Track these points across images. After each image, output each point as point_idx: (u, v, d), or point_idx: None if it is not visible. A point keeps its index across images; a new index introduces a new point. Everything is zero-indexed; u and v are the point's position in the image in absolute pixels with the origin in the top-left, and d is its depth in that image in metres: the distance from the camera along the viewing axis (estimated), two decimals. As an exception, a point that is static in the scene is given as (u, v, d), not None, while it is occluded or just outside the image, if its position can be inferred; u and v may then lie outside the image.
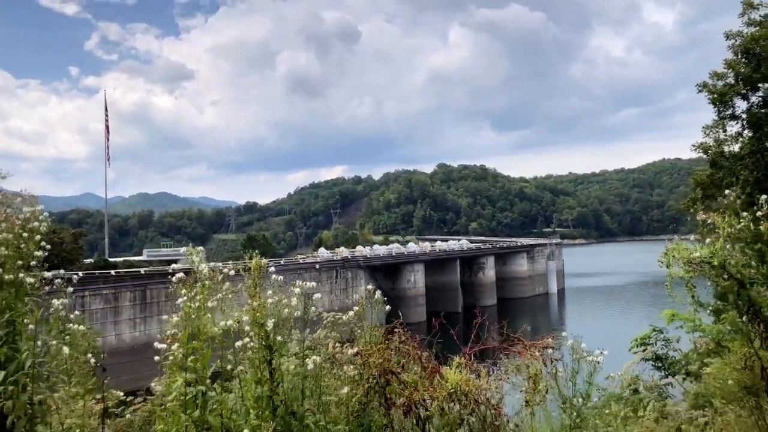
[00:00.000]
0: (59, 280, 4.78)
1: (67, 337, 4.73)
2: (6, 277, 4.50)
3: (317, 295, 3.82)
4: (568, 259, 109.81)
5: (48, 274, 4.65)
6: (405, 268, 74.10)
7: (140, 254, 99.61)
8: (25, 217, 4.74)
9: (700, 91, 19.69)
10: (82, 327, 4.86)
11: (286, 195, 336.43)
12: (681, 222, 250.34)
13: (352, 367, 4.06)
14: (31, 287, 4.61)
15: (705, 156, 21.62)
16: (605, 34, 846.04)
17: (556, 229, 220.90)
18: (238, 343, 3.91)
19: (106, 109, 69.25)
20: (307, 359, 3.77)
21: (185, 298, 4.28)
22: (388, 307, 4.65)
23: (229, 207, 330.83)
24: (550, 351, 4.43)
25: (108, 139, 70.66)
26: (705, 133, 20.52)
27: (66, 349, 4.64)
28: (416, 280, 72.83)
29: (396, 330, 4.12)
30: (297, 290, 4.23)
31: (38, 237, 4.78)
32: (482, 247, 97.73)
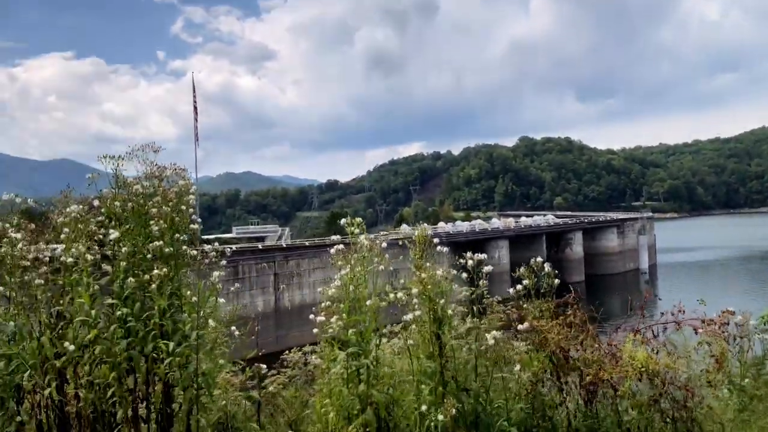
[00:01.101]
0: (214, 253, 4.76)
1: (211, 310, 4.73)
2: (166, 249, 4.52)
3: (488, 268, 3.51)
4: (659, 234, 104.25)
5: (207, 248, 4.66)
6: (489, 244, 72.44)
7: (229, 231, 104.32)
8: (179, 189, 4.74)
9: None
10: (222, 300, 4.86)
11: (366, 172, 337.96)
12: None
13: (523, 343, 3.74)
14: (192, 259, 4.64)
15: None
16: None
17: (645, 202, 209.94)
18: (408, 316, 3.70)
19: (194, 91, 72.19)
20: (488, 334, 3.50)
21: (346, 269, 4.13)
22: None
23: (311, 185, 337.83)
24: (733, 327, 3.93)
25: (196, 120, 73.77)
26: None
27: (211, 322, 4.63)
28: (501, 256, 70.61)
29: (570, 303, 3.76)
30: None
31: (191, 210, 4.78)
32: (569, 222, 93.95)
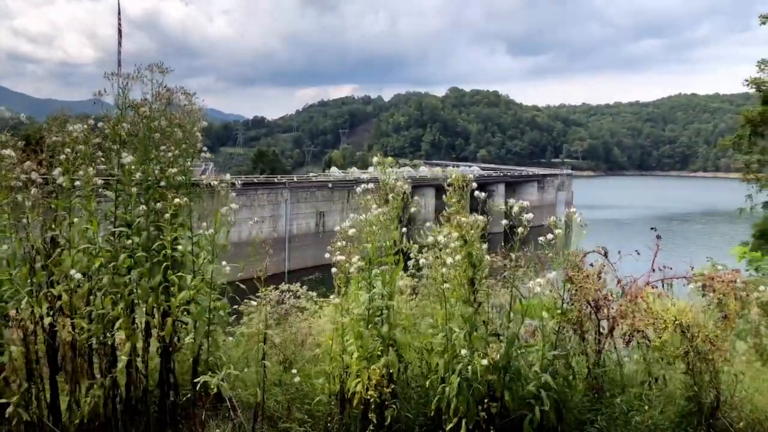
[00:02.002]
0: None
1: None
2: (178, 177, 4.26)
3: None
4: (577, 191, 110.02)
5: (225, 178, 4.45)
6: (417, 191, 73.67)
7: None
8: (191, 114, 4.45)
9: (763, 23, 19.04)
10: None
11: (295, 111, 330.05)
12: (690, 160, 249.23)
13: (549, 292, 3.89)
14: (207, 188, 4.42)
15: (756, 91, 20.95)
16: None
17: (565, 160, 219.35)
18: (449, 260, 3.73)
19: (119, 13, 67.57)
20: (532, 281, 3.60)
21: (378, 210, 4.07)
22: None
23: (237, 121, 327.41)
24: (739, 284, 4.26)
25: (120, 44, 69.14)
26: (760, 68, 19.95)
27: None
28: (426, 204, 72.63)
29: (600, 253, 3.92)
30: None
31: (199, 135, 4.52)
32: (493, 174, 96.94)
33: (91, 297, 4.28)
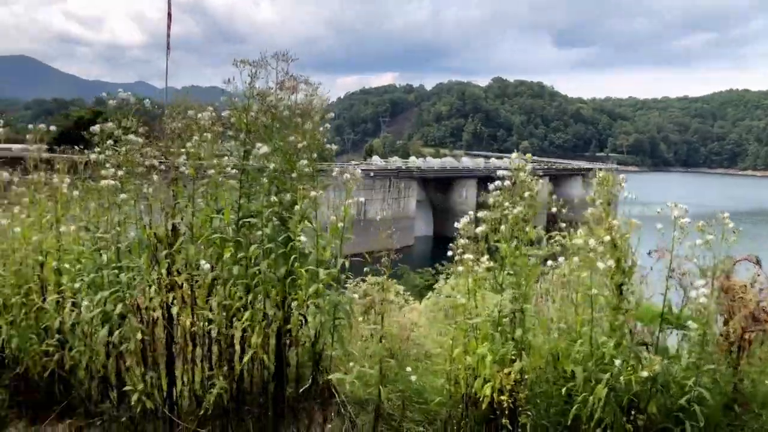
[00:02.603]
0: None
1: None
2: (307, 169, 4.10)
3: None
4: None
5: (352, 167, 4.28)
6: (458, 182, 72.91)
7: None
8: (320, 105, 4.27)
9: None
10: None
11: (336, 99, 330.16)
12: (739, 157, 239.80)
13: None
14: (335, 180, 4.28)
15: None
16: None
17: (609, 154, 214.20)
18: (601, 265, 3.46)
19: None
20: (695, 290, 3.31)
21: (517, 209, 3.83)
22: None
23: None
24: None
25: (170, 28, 70.40)
26: None
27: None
28: (468, 195, 71.26)
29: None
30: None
31: (328, 125, 4.34)
32: (536, 167, 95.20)
33: (214, 287, 4.18)
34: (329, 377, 3.94)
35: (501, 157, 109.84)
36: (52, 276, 4.40)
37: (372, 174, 65.92)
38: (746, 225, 3.64)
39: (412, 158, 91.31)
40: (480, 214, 4.24)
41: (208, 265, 3.96)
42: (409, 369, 4.44)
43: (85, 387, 4.37)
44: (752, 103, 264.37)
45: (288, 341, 4.24)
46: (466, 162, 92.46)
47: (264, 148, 3.92)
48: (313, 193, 3.88)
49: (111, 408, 4.32)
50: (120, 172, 4.15)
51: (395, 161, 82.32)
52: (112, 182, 4.09)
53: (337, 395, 4.47)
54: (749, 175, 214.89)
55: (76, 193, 4.53)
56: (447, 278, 4.86)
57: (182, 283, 4.17)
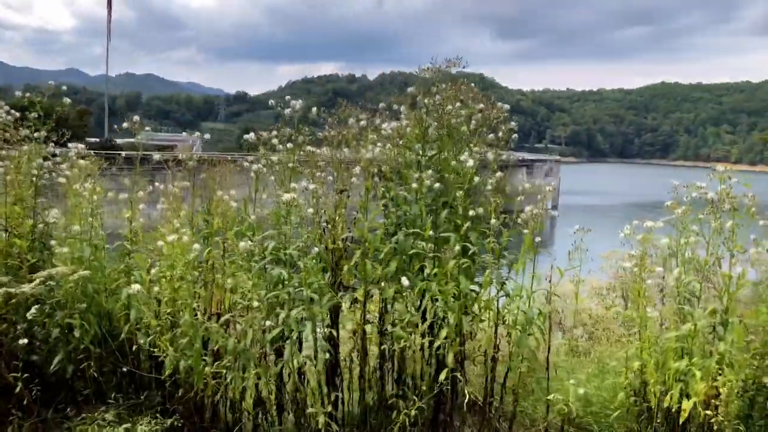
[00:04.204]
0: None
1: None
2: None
3: None
4: (562, 177, 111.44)
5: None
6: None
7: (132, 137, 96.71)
8: (498, 115, 4.30)
9: None
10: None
11: (277, 88, 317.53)
12: (671, 148, 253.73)
13: None
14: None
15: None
16: None
17: (548, 145, 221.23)
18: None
19: None
20: None
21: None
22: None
23: (218, 95, 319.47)
24: None
25: (110, 14, 64.48)
26: None
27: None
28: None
29: None
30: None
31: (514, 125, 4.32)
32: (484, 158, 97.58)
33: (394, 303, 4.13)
34: (550, 397, 3.96)
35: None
36: (221, 292, 4.23)
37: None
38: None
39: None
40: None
41: (406, 281, 3.92)
42: (572, 381, 4.49)
43: (257, 410, 4.23)
44: (682, 96, 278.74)
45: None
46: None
47: (470, 162, 3.91)
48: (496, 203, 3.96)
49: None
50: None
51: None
52: (289, 196, 3.97)
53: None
54: (680, 165, 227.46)
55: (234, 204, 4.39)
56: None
57: (365, 300, 4.10)
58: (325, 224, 4.30)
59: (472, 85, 4.74)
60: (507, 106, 4.65)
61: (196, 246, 4.16)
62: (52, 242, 4.75)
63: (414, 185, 4.31)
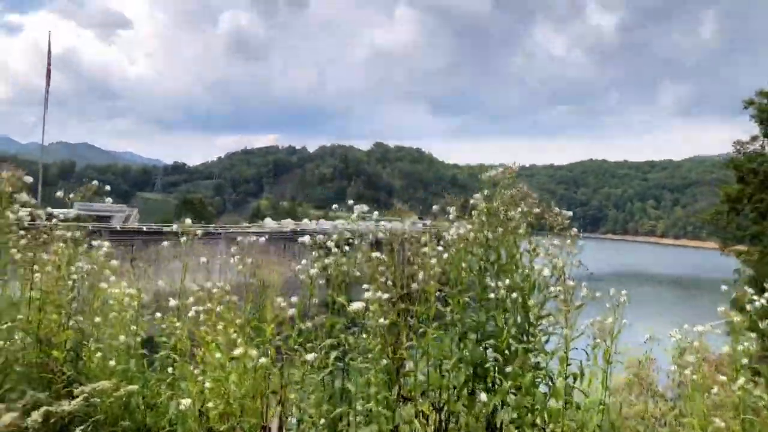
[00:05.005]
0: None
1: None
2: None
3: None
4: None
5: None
6: (354, 244, 74.56)
7: (67, 207, 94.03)
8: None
9: (746, 107, 20.47)
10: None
11: (216, 158, 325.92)
12: (601, 222, 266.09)
13: None
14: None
15: (734, 171, 22.59)
16: (548, 29, 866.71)
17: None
18: None
19: (50, 54, 65.41)
20: None
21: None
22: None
23: (156, 165, 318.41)
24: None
25: (48, 84, 65.75)
26: (736, 148, 22.07)
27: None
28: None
29: None
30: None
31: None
32: (422, 228, 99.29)
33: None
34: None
35: (391, 220, 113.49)
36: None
37: (266, 237, 65.89)
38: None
39: (305, 220, 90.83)
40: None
41: (485, 396, 4.00)
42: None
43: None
44: (609, 172, 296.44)
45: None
46: (360, 225, 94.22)
47: (546, 271, 4.32)
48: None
49: None
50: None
51: (289, 223, 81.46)
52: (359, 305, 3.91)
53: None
54: (609, 239, 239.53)
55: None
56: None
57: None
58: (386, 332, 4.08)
59: (535, 195, 4.90)
60: (569, 213, 4.80)
61: (253, 353, 3.93)
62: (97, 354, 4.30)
63: (492, 295, 4.30)
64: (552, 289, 4.26)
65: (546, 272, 4.26)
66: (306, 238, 4.64)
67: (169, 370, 4.33)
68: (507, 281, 4.29)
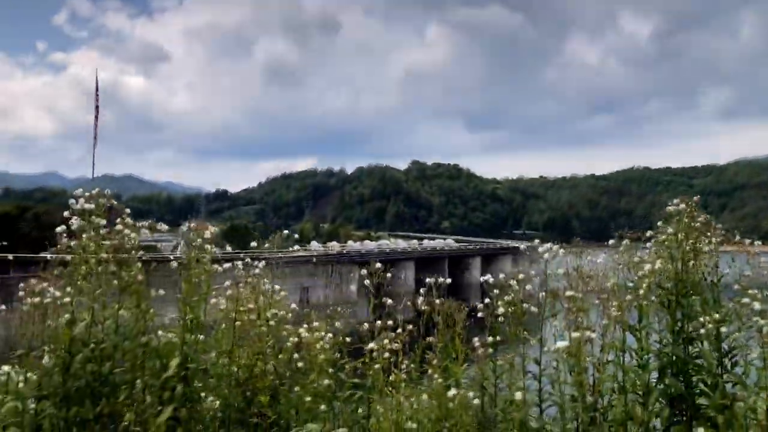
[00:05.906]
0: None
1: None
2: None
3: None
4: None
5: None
6: (397, 264, 73.05)
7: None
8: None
9: None
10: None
11: (257, 184, 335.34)
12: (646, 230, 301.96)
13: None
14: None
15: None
16: (581, 40, 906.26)
17: (525, 231, 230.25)
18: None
19: (97, 90, 70.13)
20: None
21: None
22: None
23: (198, 193, 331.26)
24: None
25: (97, 119, 69.84)
26: None
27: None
28: (407, 276, 75.86)
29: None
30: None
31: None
32: (468, 246, 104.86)
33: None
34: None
35: (433, 238, 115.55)
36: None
37: (314, 260, 65.97)
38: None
39: (349, 242, 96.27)
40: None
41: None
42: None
43: None
44: (653, 180, 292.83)
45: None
46: (402, 244, 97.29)
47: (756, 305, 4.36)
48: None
49: None
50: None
51: (334, 246, 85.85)
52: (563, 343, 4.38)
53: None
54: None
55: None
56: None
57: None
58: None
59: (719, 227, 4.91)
60: (747, 241, 4.82)
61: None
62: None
63: (702, 331, 4.43)
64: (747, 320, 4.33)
65: (756, 306, 4.28)
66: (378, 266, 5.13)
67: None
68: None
